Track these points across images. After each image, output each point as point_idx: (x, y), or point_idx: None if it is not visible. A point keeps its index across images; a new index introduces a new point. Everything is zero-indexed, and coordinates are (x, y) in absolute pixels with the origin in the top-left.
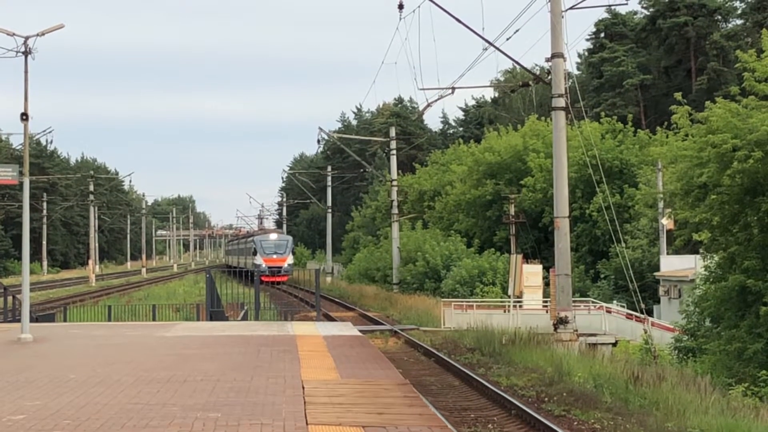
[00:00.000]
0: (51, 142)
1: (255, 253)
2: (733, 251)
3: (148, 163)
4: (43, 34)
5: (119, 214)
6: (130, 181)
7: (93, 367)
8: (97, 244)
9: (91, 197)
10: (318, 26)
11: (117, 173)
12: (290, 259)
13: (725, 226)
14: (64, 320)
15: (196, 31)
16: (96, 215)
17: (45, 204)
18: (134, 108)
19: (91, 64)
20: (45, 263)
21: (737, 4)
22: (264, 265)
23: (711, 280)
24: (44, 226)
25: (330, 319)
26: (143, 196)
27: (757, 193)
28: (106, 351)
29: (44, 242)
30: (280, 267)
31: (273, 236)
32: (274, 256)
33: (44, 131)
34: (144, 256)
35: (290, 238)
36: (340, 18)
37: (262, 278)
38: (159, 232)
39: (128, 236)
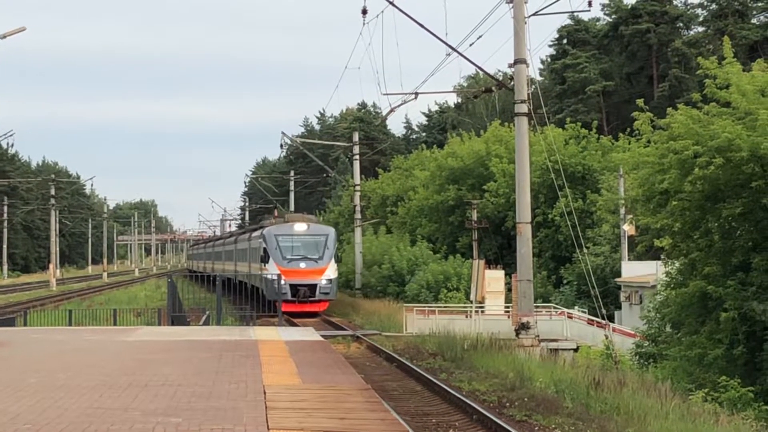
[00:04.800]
0: (12, 145)
1: (266, 258)
2: (694, 257)
3: (110, 167)
4: (4, 37)
5: (81, 218)
6: (92, 185)
7: (53, 371)
8: (58, 248)
9: (53, 201)
10: (281, 30)
11: (79, 177)
12: (332, 269)
13: (686, 232)
14: (25, 325)
15: (158, 35)
16: (57, 219)
17: (5, 208)
18: (96, 112)
19: (52, 67)
20: (5, 267)
21: (699, 11)
22: (283, 282)
23: (672, 286)
24: (5, 230)
25: (292, 324)
26: (105, 200)
27: (718, 200)
28: (67, 356)
29: (5, 246)
30: (315, 285)
31: (300, 227)
32: (303, 265)
33: (5, 134)
34: (105, 261)
35: (331, 230)
36: (303, 22)
37: (284, 307)
38: (121, 236)
39: (90, 240)
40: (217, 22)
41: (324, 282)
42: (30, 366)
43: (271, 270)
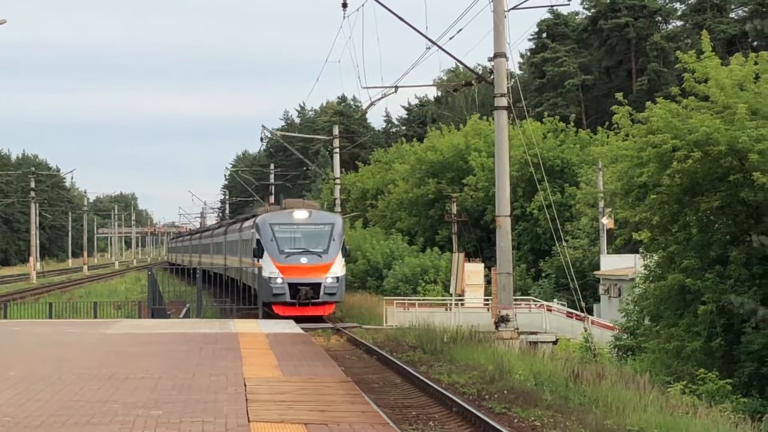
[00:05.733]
0: None
1: (260, 252)
2: (673, 251)
3: (90, 160)
4: None
5: (61, 211)
6: (72, 178)
7: (34, 364)
8: (38, 241)
9: (32, 194)
10: (261, 24)
11: (59, 170)
12: (339, 265)
13: (665, 225)
14: (5, 317)
15: (139, 28)
16: (37, 212)
17: None
18: (75, 105)
19: (31, 60)
20: None
21: (677, 5)
22: (280, 279)
23: (650, 279)
24: None
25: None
26: (85, 193)
27: (696, 193)
28: (47, 348)
29: None
30: (318, 284)
31: (300, 214)
32: (304, 260)
33: None
34: (85, 254)
35: (337, 218)
36: (284, 15)
37: (281, 311)
38: (101, 229)
39: (70, 233)
40: (197, 17)
41: (329, 280)
42: (10, 359)
43: (266, 266)
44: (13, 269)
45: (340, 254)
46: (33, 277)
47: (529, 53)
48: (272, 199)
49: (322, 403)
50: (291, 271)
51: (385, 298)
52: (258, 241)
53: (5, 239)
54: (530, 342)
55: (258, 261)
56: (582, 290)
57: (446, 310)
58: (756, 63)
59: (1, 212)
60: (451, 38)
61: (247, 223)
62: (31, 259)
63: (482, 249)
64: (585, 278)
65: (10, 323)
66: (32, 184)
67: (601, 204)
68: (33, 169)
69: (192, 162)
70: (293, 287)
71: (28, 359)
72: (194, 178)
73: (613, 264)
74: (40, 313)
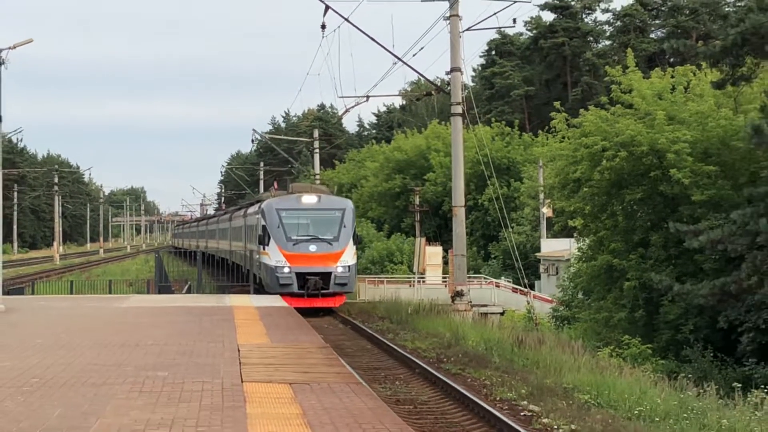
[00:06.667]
0: (21, 140)
1: (265, 239)
2: (602, 235)
3: (106, 159)
4: (14, 47)
5: (80, 202)
6: (90, 174)
7: (57, 333)
8: (60, 228)
9: (56, 188)
10: (252, 43)
11: (78, 167)
12: (350, 254)
13: (595, 214)
14: (32, 293)
15: (148, 46)
16: (60, 203)
17: (16, 194)
18: (92, 110)
19: (56, 72)
20: (16, 244)
21: (606, 27)
22: (287, 268)
23: (583, 259)
24: (15, 213)
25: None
26: (101, 187)
27: (622, 187)
28: (69, 320)
29: (15, 226)
30: (329, 273)
31: (309, 199)
32: (313, 248)
33: (15, 131)
34: (101, 239)
35: (348, 203)
36: (271, 36)
37: (289, 302)
38: (114, 218)
39: (88, 221)
40: (198, 37)
41: (340, 269)
42: (37, 329)
43: (273, 254)
44: (40, 252)
45: (351, 242)
46: (56, 259)
47: (480, 68)
48: (274, 188)
49: (305, 366)
50: (299, 260)
51: (358, 276)
52: (264, 227)
53: (33, 227)
54: (481, 313)
55: (264, 249)
56: (525, 269)
57: (410, 286)
58: (672, 77)
59: (29, 203)
60: (414, 55)
61: (252, 209)
62: (55, 243)
63: (441, 234)
64: (528, 259)
65: (36, 298)
66: (56, 180)
67: (542, 196)
68: (56, 166)
69: (193, 160)
70: (301, 277)
71: (52, 329)
72: (195, 174)
73: (551, 247)
74: (62, 289)
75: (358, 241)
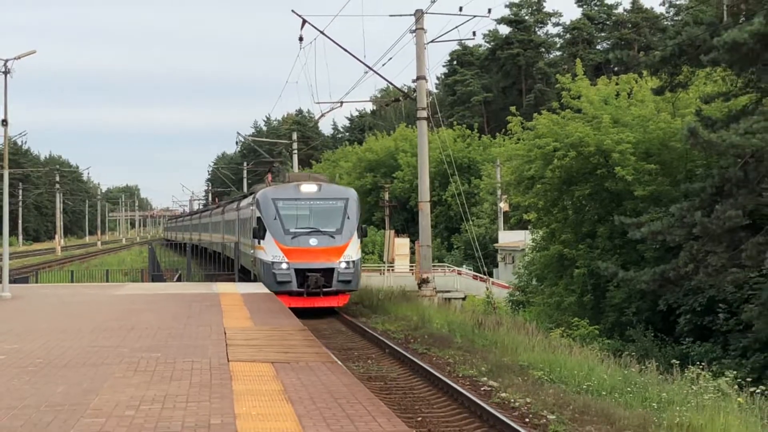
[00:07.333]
0: (25, 142)
1: (261, 232)
2: (554, 227)
3: (103, 159)
4: (19, 58)
5: (79, 199)
6: (88, 174)
7: (59, 318)
8: (61, 223)
9: (57, 186)
10: (236, 53)
11: (77, 167)
12: (354, 248)
13: (548, 208)
14: (36, 282)
15: (142, 56)
16: (61, 200)
17: (20, 191)
18: (90, 115)
19: (55, 80)
20: (21, 237)
21: (557, 39)
22: (285, 264)
23: (537, 249)
24: (20, 209)
25: (246, 280)
26: (99, 185)
27: (572, 183)
28: (70, 306)
29: (20, 221)
30: (331, 269)
31: (308, 188)
32: (314, 242)
33: (20, 134)
34: (99, 232)
35: (351, 193)
36: (253, 46)
37: (288, 303)
38: (111, 213)
39: (86, 216)
40: (186, 48)
41: (343, 266)
42: (40, 314)
43: (269, 249)
44: (43, 245)
45: (355, 235)
46: (58, 250)
47: (443, 76)
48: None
49: (285, 347)
50: (298, 255)
51: None
52: (259, 219)
53: (36, 221)
54: (445, 298)
55: (259, 243)
56: (484, 258)
57: (381, 274)
58: (617, 84)
59: (33, 200)
60: (384, 65)
61: (245, 201)
62: (57, 236)
63: (408, 227)
64: (487, 249)
65: (39, 287)
66: (57, 179)
67: (499, 192)
68: (58, 166)
69: (183, 160)
70: (301, 274)
71: (54, 315)
72: (184, 173)
73: (508, 238)
74: (63, 278)
75: (363, 234)
